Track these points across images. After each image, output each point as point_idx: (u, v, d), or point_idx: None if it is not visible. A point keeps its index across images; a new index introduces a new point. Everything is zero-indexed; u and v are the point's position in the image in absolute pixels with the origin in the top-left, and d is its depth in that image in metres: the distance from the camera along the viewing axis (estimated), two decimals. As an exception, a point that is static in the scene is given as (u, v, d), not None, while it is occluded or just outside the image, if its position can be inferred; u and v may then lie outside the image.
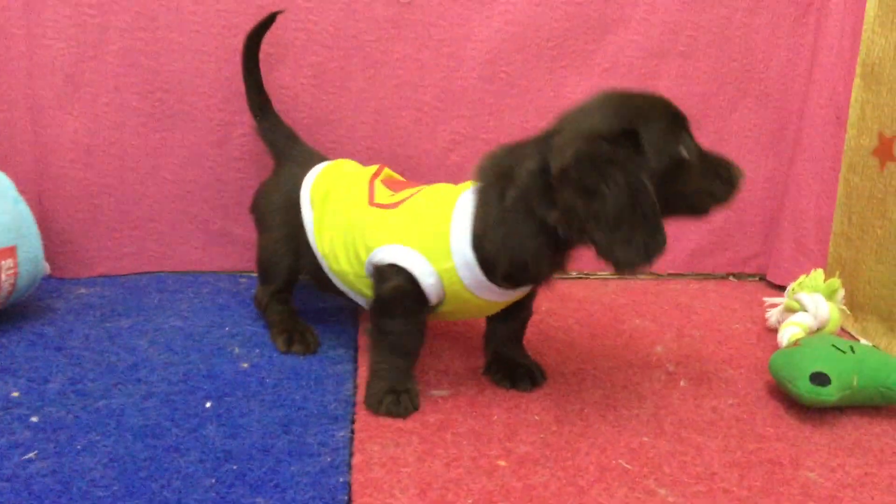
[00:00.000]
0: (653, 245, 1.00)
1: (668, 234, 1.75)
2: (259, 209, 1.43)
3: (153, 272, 1.63)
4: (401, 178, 1.34)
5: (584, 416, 1.12)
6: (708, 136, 1.71)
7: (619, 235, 0.98)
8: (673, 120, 1.05)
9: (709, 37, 1.65)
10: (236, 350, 1.28)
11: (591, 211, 0.97)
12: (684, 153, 1.04)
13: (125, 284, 1.56)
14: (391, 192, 1.23)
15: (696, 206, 1.10)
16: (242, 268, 1.67)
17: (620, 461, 1.01)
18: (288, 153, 1.46)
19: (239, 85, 1.54)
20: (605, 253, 1.00)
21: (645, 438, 1.07)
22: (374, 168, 1.33)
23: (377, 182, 1.27)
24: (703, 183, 1.08)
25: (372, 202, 1.21)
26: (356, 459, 0.99)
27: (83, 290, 1.51)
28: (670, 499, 0.94)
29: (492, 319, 1.25)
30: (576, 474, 0.98)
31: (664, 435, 1.08)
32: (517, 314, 1.23)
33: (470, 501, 0.91)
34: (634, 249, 0.99)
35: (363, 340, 1.34)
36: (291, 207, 1.34)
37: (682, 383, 1.24)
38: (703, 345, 1.40)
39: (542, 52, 1.61)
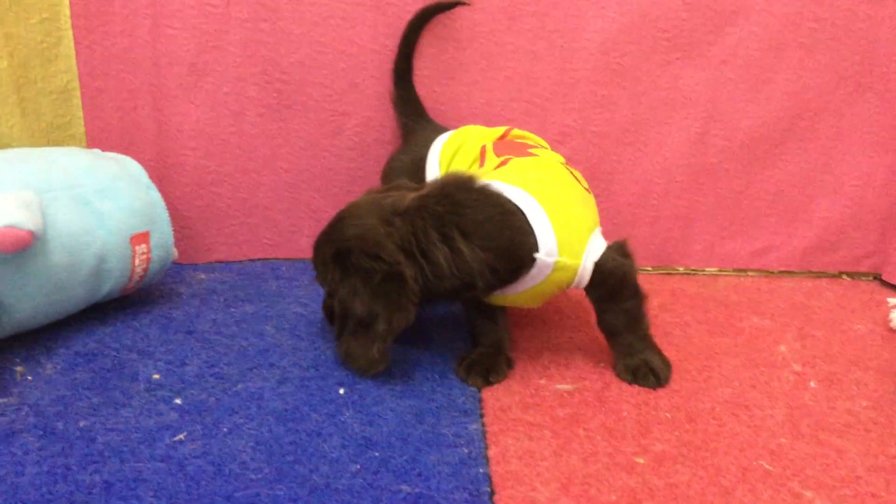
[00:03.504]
0: None
1: (780, 231, 1.73)
2: (386, 173, 1.51)
3: (266, 259, 1.67)
4: (528, 139, 1.37)
5: (717, 416, 1.11)
6: (825, 130, 1.66)
7: None
8: None
9: (830, 29, 1.60)
10: (359, 338, 1.30)
11: None
12: None
13: (242, 271, 1.59)
14: (498, 160, 1.27)
15: None
16: (351, 256, 1.69)
17: (761, 462, 0.99)
18: (416, 123, 1.53)
19: (354, 76, 1.56)
20: None
21: (783, 440, 1.05)
22: (501, 130, 1.38)
23: (489, 147, 1.32)
24: None
25: None
26: (492, 451, 1.00)
27: (203, 276, 1.54)
28: (818, 502, 0.92)
29: (597, 308, 1.23)
30: (717, 474, 0.96)
31: (802, 437, 1.06)
32: (616, 303, 1.20)
33: (614, 497, 0.91)
34: None
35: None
36: (417, 166, 1.41)
37: (811, 384, 1.22)
38: (827, 345, 1.37)
39: (657, 44, 1.59)
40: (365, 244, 1.11)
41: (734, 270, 1.75)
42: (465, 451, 1.00)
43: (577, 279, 1.16)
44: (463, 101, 1.60)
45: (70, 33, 1.47)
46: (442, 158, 1.38)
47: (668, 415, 1.10)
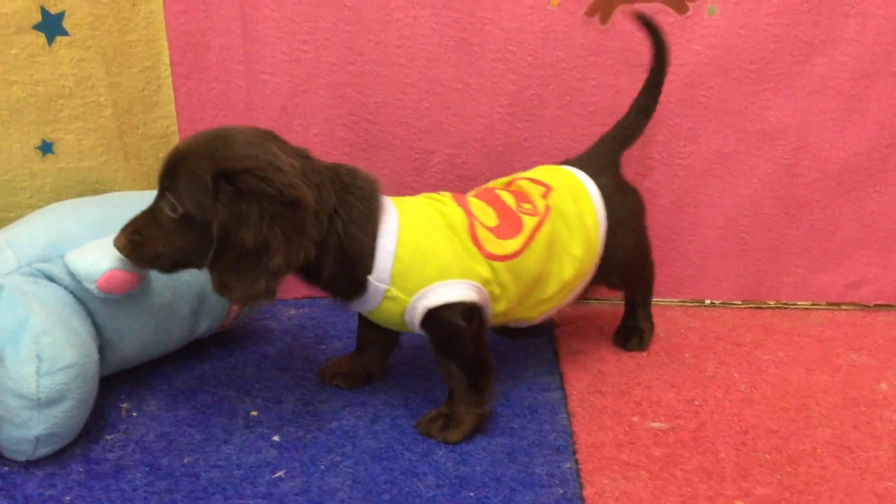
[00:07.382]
0: None
1: (875, 263, 1.68)
2: None
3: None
4: (523, 189, 1.32)
5: (819, 457, 1.08)
6: (922, 159, 1.62)
7: None
8: None
9: (925, 55, 1.56)
10: (448, 375, 1.31)
11: None
12: None
13: (329, 306, 1.60)
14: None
15: None
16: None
17: (869, 507, 0.96)
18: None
19: (438, 115, 1.59)
20: None
21: (889, 483, 1.02)
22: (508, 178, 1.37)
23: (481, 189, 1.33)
24: None
25: None
26: (588, 492, 0.99)
27: (293, 312, 1.58)
28: (933, 552, 0.88)
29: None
30: (823, 519, 0.94)
31: (910, 481, 1.02)
32: (446, 358, 1.15)
33: (715, 542, 0.90)
34: None
35: (566, 366, 1.34)
36: None
37: (917, 424, 1.18)
38: (931, 383, 1.32)
39: (743, 75, 1.57)
40: (262, 167, 1.01)
41: (827, 304, 1.70)
42: (560, 491, 0.99)
43: (407, 317, 1.12)
44: (545, 137, 1.61)
45: (169, 81, 1.54)
46: None
47: (767, 456, 1.08)
